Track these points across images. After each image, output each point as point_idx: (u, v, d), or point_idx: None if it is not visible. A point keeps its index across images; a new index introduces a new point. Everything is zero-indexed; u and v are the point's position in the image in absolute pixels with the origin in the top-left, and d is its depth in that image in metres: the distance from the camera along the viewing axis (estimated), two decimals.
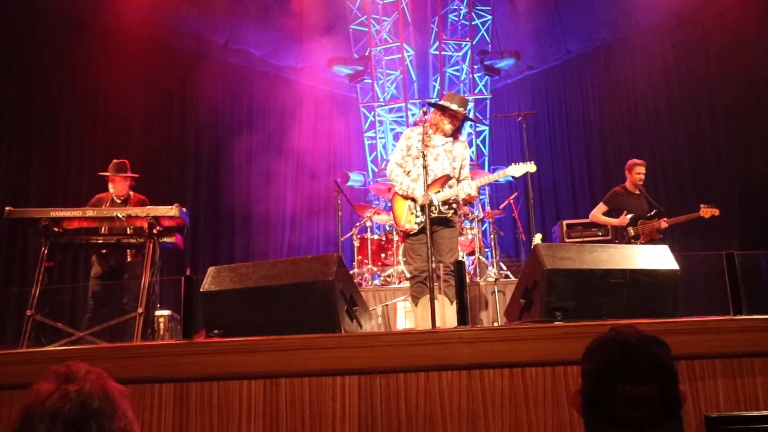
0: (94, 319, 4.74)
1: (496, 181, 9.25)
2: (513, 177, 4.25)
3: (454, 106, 4.04)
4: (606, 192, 6.47)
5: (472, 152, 9.51)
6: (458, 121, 4.12)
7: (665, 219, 5.90)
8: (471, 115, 4.43)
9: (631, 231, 5.99)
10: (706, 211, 5.87)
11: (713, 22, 7.67)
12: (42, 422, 1.13)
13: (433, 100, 4.65)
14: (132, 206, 4.86)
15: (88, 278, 5.15)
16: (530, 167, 4.24)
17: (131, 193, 5.22)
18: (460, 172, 4.15)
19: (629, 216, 5.96)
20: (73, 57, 7.54)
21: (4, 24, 6.97)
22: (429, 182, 3.81)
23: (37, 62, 7.27)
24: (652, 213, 5.97)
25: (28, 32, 7.19)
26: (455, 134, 4.17)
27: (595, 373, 1.15)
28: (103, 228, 4.33)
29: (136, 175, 5.28)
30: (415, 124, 4.30)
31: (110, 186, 5.16)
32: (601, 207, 6.23)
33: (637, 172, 6.07)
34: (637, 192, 6.11)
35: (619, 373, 1.11)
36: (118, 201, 5.11)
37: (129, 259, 4.90)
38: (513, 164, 4.26)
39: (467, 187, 3.97)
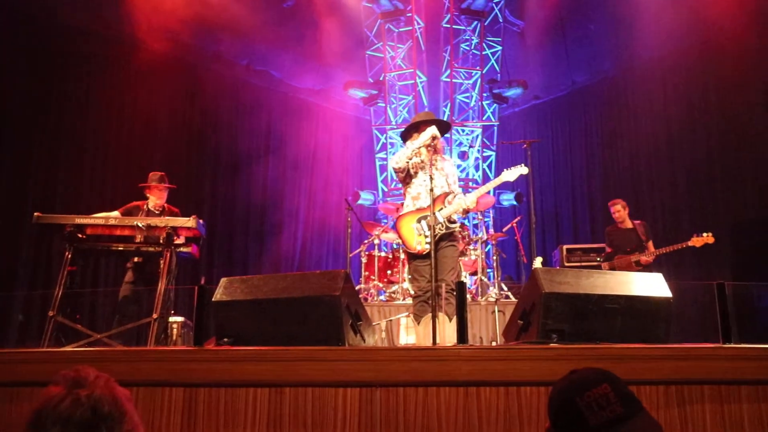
0: (122, 322, 4.80)
1: (496, 199, 9.41)
2: (509, 180, 4.32)
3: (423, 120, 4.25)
4: (605, 220, 6.67)
5: (479, 176, 9.66)
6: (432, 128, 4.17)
7: (647, 252, 6.05)
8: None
9: (606, 266, 6.14)
10: (697, 241, 5.82)
11: (712, 59, 7.83)
12: (54, 426, 1.14)
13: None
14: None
15: (109, 283, 5.23)
16: (522, 170, 4.35)
17: (166, 205, 5.37)
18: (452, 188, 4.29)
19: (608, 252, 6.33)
20: (103, 74, 7.86)
21: (34, 41, 7.25)
22: (430, 203, 3.95)
23: (69, 77, 7.56)
24: (632, 248, 6.11)
25: (59, 48, 7.47)
26: (437, 149, 4.25)
27: (558, 403, 1.27)
28: (137, 237, 4.43)
29: (174, 186, 5.46)
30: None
31: (150, 196, 5.31)
32: (607, 248, 6.52)
33: (612, 212, 6.43)
34: (628, 226, 6.25)
35: (573, 390, 1.24)
36: (156, 212, 5.25)
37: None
38: (506, 169, 4.37)
39: (468, 200, 4.12)
